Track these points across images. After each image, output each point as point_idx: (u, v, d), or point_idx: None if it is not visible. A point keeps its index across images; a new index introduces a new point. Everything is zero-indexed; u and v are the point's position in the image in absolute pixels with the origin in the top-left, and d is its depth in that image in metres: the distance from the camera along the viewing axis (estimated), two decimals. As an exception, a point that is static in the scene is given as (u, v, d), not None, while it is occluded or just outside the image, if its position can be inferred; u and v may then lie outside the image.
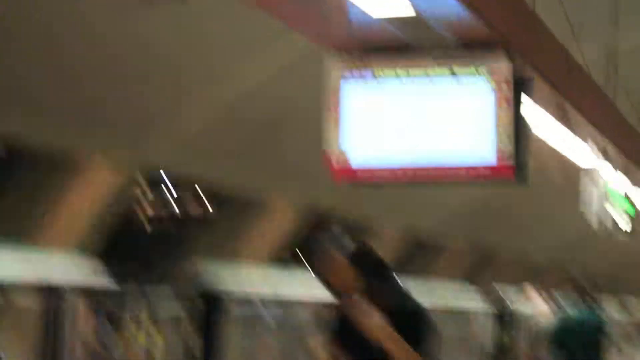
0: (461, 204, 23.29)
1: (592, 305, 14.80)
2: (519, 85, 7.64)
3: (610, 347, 15.83)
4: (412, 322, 6.63)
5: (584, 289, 14.66)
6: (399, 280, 7.23)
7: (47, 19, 10.48)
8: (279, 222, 18.75)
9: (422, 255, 26.93)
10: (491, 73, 7.62)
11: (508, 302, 24.12)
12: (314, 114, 8.44)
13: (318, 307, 14.76)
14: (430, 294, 20.44)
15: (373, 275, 6.85)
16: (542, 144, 10.77)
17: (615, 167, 13.24)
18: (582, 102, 10.44)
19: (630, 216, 15.33)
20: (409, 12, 6.49)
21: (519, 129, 7.60)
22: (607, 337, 15.04)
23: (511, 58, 7.63)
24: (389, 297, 6.45)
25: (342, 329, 7.94)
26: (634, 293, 41.59)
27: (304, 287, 15.13)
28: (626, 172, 13.98)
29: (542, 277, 32.09)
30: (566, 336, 14.02)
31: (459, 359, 22.13)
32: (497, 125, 7.55)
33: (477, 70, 7.68)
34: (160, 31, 11.07)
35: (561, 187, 16.43)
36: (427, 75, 7.75)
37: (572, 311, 14.59)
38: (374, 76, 7.86)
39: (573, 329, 14.35)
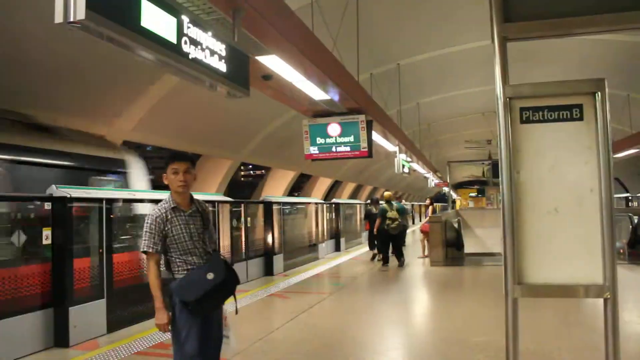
0: (350, 167, 23.76)
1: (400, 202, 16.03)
2: (369, 123, 9.27)
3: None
4: None
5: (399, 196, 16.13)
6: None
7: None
8: (286, 177, 19.85)
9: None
10: (359, 119, 9.21)
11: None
12: (299, 138, 9.58)
13: (305, 205, 15.52)
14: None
15: None
16: (378, 144, 11.99)
17: (402, 151, 14.65)
18: (391, 129, 11.85)
19: (409, 168, 16.77)
20: (326, 97, 8.05)
21: (369, 139, 9.27)
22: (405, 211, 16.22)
23: (365, 113, 9.24)
24: None
25: None
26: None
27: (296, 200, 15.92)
28: (406, 152, 15.33)
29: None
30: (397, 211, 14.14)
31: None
32: (361, 138, 9.22)
33: (354, 118, 9.26)
34: (240, 108, 11.45)
35: (385, 159, 17.31)
36: (338, 122, 9.31)
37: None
38: (319, 123, 9.41)
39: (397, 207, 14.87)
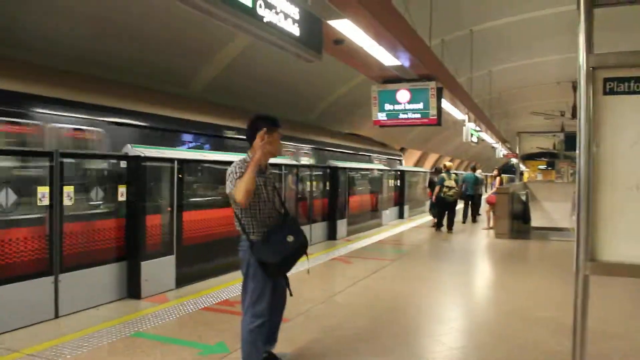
0: (416, 134, 23.50)
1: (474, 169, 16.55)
2: (439, 90, 9.12)
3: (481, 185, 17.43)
4: None
5: (474, 166, 16.60)
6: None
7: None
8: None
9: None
10: (429, 86, 9.05)
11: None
12: (366, 104, 9.63)
13: (369, 171, 15.30)
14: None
15: None
16: (446, 112, 11.94)
17: (471, 120, 14.43)
18: (460, 97, 11.57)
19: (477, 137, 16.66)
20: (397, 63, 7.95)
21: (439, 107, 9.12)
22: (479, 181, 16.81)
23: (436, 80, 9.06)
24: None
25: None
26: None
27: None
28: (475, 121, 15.08)
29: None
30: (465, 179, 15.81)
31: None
32: (430, 105, 9.05)
33: (424, 85, 9.10)
34: (307, 73, 11.71)
35: (453, 126, 17.10)
36: (407, 88, 9.16)
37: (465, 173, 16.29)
38: (389, 89, 9.30)
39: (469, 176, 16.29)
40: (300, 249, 4.04)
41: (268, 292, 3.99)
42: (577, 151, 3.22)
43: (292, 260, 4.03)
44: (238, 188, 3.78)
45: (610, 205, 3.14)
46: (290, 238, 3.95)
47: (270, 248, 3.91)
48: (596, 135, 3.14)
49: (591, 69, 3.11)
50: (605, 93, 3.13)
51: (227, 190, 3.95)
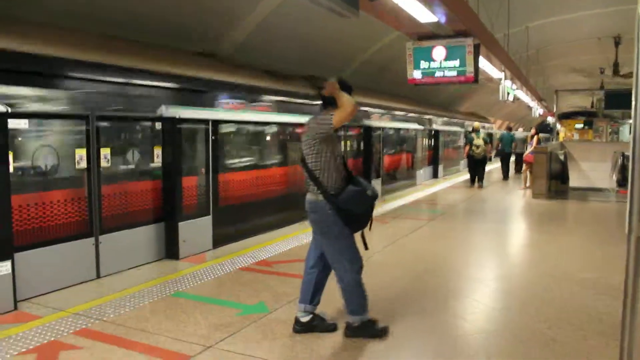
0: (450, 94, 23.12)
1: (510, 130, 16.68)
2: (476, 47, 8.79)
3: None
4: None
5: (509, 127, 17.06)
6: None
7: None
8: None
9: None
10: (466, 42, 8.75)
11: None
12: (402, 61, 9.35)
13: (403, 131, 15.18)
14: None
15: None
16: (483, 70, 11.70)
17: (507, 77, 13.96)
18: (497, 54, 11.25)
19: (513, 95, 16.33)
20: (433, 19, 7.73)
21: (476, 64, 8.81)
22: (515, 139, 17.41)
23: (473, 37, 8.75)
24: None
25: None
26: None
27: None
28: (512, 79, 14.62)
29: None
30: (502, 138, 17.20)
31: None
32: (467, 62, 8.77)
33: (460, 41, 8.80)
34: (342, 31, 11.50)
35: (489, 84, 16.78)
36: (444, 45, 8.90)
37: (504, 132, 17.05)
38: (424, 46, 9.07)
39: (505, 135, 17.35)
40: (374, 204, 4.14)
41: (355, 244, 4.15)
42: (633, 108, 3.03)
43: (370, 214, 4.14)
44: (342, 103, 3.92)
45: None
46: (369, 192, 4.04)
47: (355, 199, 3.99)
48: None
49: (650, 17, 2.90)
50: (666, 45, 2.93)
51: (314, 132, 4.03)
